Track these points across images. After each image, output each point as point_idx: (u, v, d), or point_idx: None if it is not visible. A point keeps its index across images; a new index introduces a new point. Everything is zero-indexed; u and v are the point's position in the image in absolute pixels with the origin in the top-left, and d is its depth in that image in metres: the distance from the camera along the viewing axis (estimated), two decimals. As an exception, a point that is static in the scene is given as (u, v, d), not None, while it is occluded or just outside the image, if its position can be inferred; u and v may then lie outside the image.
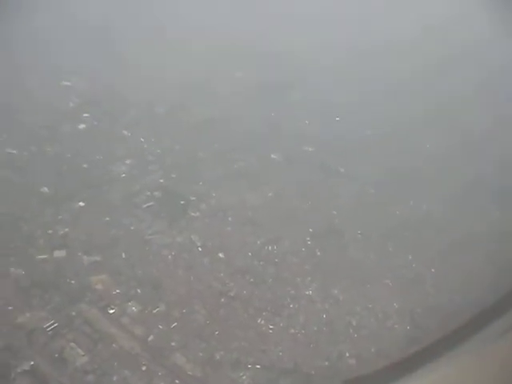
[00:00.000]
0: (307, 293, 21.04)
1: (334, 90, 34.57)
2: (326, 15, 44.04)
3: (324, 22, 43.46)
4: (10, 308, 18.35)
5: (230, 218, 23.87)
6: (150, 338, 18.20)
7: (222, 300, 19.96)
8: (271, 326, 19.50)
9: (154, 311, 19.17)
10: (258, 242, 22.81)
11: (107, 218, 22.80)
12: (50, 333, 17.66)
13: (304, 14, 43.53)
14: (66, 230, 21.78)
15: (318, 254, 22.77)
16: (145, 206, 24.01)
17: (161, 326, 18.61)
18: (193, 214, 23.88)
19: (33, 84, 31.23)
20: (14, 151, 25.74)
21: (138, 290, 19.81)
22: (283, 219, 24.40)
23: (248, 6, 45.57)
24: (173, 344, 18.20)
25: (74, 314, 18.38)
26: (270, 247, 22.73)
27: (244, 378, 18.08)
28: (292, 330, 19.50)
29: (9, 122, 27.67)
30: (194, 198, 24.74)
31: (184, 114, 30.95)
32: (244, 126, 30.62)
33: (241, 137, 29.53)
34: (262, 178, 26.87)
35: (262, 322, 19.56)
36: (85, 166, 25.61)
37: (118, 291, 19.60)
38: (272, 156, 28.71)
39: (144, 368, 17.55)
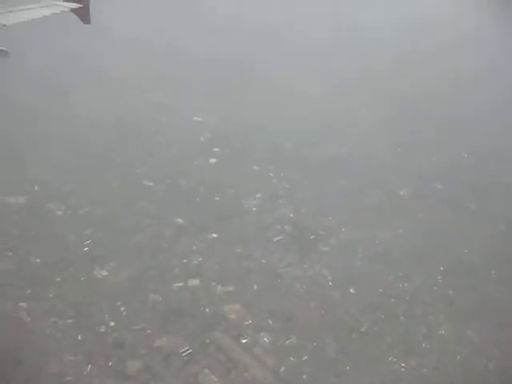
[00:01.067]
0: (440, 332, 19.95)
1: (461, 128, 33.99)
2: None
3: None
4: (149, 331, 18.73)
5: (359, 254, 23.46)
6: (282, 369, 18.05)
7: (354, 335, 19.40)
8: (403, 364, 18.61)
9: (286, 343, 19.02)
10: (389, 278, 22.23)
11: (239, 250, 23.00)
12: (185, 358, 17.88)
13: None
14: (200, 259, 22.18)
15: (450, 292, 21.68)
16: (276, 239, 24.05)
17: (292, 358, 18.40)
18: (323, 248, 23.68)
19: (167, 119, 33.12)
20: (151, 183, 26.80)
21: (270, 322, 19.72)
22: (413, 256, 23.61)
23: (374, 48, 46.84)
24: (304, 377, 17.88)
25: (208, 341, 18.55)
26: (400, 284, 22.06)
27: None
28: (424, 370, 18.51)
29: (146, 156, 29.19)
30: (323, 233, 24.54)
31: (311, 151, 31.05)
32: (371, 162, 30.43)
33: (368, 173, 29.26)
34: (391, 214, 26.23)
35: (394, 359, 18.77)
36: (217, 198, 26.16)
37: (250, 321, 19.57)
38: (400, 193, 28.00)
39: (277, 399, 18.56)
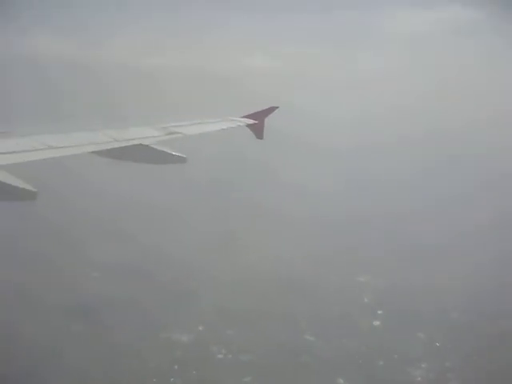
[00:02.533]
0: None
1: None
2: None
3: None
4: None
5: None
6: None
7: None
8: None
9: None
10: None
11: None
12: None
13: None
14: None
15: None
16: None
17: None
18: None
19: (332, 276, 32.80)
20: (312, 338, 26.29)
21: None
22: None
23: None
24: None
25: None
26: None
27: None
28: None
29: (309, 312, 28.43)
30: None
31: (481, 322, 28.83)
32: None
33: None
34: None
35: None
36: (380, 363, 24.86)
37: None
38: None
39: None
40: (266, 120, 12.30)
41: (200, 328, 26.38)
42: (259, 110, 12.65)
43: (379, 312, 29.61)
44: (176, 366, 23.47)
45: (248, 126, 12.54)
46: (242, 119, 12.66)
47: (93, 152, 8.82)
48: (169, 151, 9.68)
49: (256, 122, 12.63)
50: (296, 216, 42.71)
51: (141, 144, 9.55)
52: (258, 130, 12.71)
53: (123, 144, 9.25)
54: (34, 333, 23.86)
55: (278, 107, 12.46)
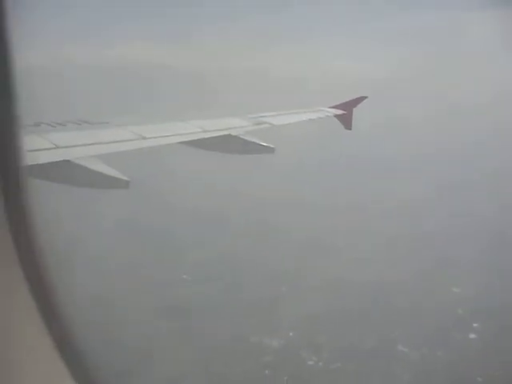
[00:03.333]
0: None
1: None
2: None
3: None
4: None
5: None
6: None
7: None
8: None
9: None
10: None
11: None
12: None
13: None
14: None
15: None
16: None
17: None
18: None
19: (424, 289, 31.53)
20: (406, 349, 25.52)
21: None
22: None
23: None
24: None
25: None
26: None
27: None
28: None
29: (401, 322, 27.59)
30: None
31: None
32: None
33: None
34: None
35: None
36: (479, 379, 23.70)
37: None
38: None
39: None
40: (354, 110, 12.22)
41: (291, 334, 26.28)
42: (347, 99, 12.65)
43: (475, 325, 27.99)
44: (267, 371, 23.57)
45: (336, 116, 12.54)
46: (331, 109, 12.67)
47: (181, 142, 9.13)
48: (258, 141, 9.86)
49: (345, 112, 12.61)
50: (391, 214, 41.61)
51: (230, 134, 9.75)
52: (346, 120, 12.66)
53: (212, 134, 9.51)
54: (126, 334, 24.39)
55: (366, 97, 12.29)
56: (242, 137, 9.76)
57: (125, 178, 7.49)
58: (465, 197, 47.44)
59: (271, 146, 9.85)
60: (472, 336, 27.54)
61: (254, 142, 9.79)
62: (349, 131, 12.34)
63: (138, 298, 27.57)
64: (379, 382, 23.47)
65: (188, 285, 30.07)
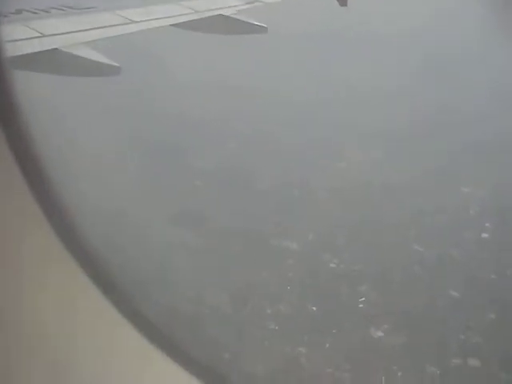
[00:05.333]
0: None
1: None
2: None
3: None
4: None
5: None
6: None
7: None
8: None
9: None
10: None
11: None
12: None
13: None
14: (479, 339, 20.76)
15: None
16: None
17: None
18: None
19: (435, 188, 31.00)
20: (422, 249, 25.87)
21: None
22: None
23: None
24: None
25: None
26: None
27: None
28: None
29: (414, 223, 27.80)
30: None
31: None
32: None
33: None
34: None
35: None
36: (493, 276, 24.43)
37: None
38: None
39: None
40: None
41: (310, 237, 26.27)
42: None
43: (487, 225, 28.19)
44: (290, 274, 23.74)
45: None
46: None
47: (173, 25, 8.66)
48: (250, 21, 9.38)
49: None
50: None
51: (221, 14, 9.26)
52: None
53: (203, 15, 9.01)
54: (140, 242, 24.14)
55: None
56: (234, 16, 9.30)
57: (116, 64, 7.12)
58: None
59: (264, 25, 9.42)
60: (484, 235, 27.62)
61: (246, 22, 9.33)
62: (345, 8, 11.90)
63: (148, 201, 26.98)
64: (400, 281, 23.53)
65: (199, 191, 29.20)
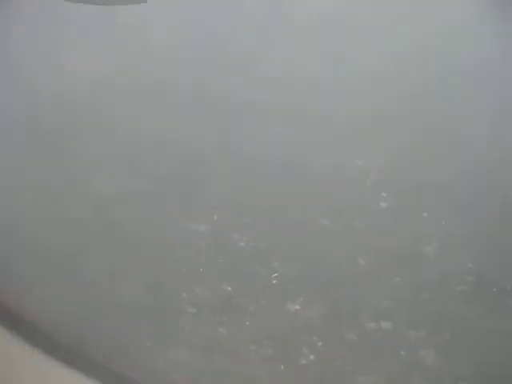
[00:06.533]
0: None
1: None
2: None
3: None
4: (349, 368, 18.74)
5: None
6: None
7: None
8: None
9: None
10: None
11: (425, 296, 22.79)
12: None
13: None
14: (389, 302, 21.73)
15: None
16: (458, 288, 23.69)
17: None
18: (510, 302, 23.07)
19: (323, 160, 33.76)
20: (327, 222, 26.06)
21: (467, 370, 19.44)
22: None
23: None
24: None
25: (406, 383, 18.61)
26: None
27: None
28: None
29: (318, 195, 29.71)
30: (510, 287, 24.13)
31: (484, 194, 30.21)
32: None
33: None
34: None
35: None
36: (394, 242, 25.74)
37: (446, 369, 19.33)
38: None
39: None
40: None
41: (215, 217, 26.94)
42: None
43: (383, 194, 30.39)
44: (201, 256, 24.08)
45: None
46: None
47: None
48: None
49: None
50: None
51: None
52: None
53: None
54: None
55: None
56: None
57: None
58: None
59: None
60: (383, 204, 29.79)
61: None
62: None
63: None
64: (309, 253, 24.58)
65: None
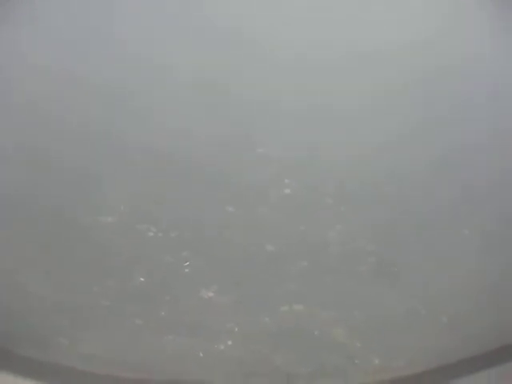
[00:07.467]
0: None
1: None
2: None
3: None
4: (266, 351, 18.73)
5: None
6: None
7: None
8: None
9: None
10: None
11: (332, 278, 22.91)
12: (306, 377, 18.08)
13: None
14: (299, 286, 21.65)
15: None
16: (361, 269, 24.01)
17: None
18: (408, 279, 23.22)
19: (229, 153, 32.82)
20: (233, 210, 26.20)
21: (378, 344, 19.87)
22: None
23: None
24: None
25: (321, 361, 18.73)
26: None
27: None
28: None
29: (212, 183, 28.94)
30: (406, 266, 24.37)
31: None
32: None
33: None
34: None
35: None
36: (301, 227, 25.57)
37: (359, 345, 19.80)
38: None
39: None
40: None
41: (122, 208, 25.91)
42: None
43: (287, 181, 29.96)
44: (110, 248, 23.09)
45: None
46: None
47: None
48: None
49: None
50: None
51: None
52: None
53: None
54: None
55: None
56: None
57: None
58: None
59: None
60: (287, 191, 29.72)
61: None
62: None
63: None
64: (217, 241, 24.02)
65: None
